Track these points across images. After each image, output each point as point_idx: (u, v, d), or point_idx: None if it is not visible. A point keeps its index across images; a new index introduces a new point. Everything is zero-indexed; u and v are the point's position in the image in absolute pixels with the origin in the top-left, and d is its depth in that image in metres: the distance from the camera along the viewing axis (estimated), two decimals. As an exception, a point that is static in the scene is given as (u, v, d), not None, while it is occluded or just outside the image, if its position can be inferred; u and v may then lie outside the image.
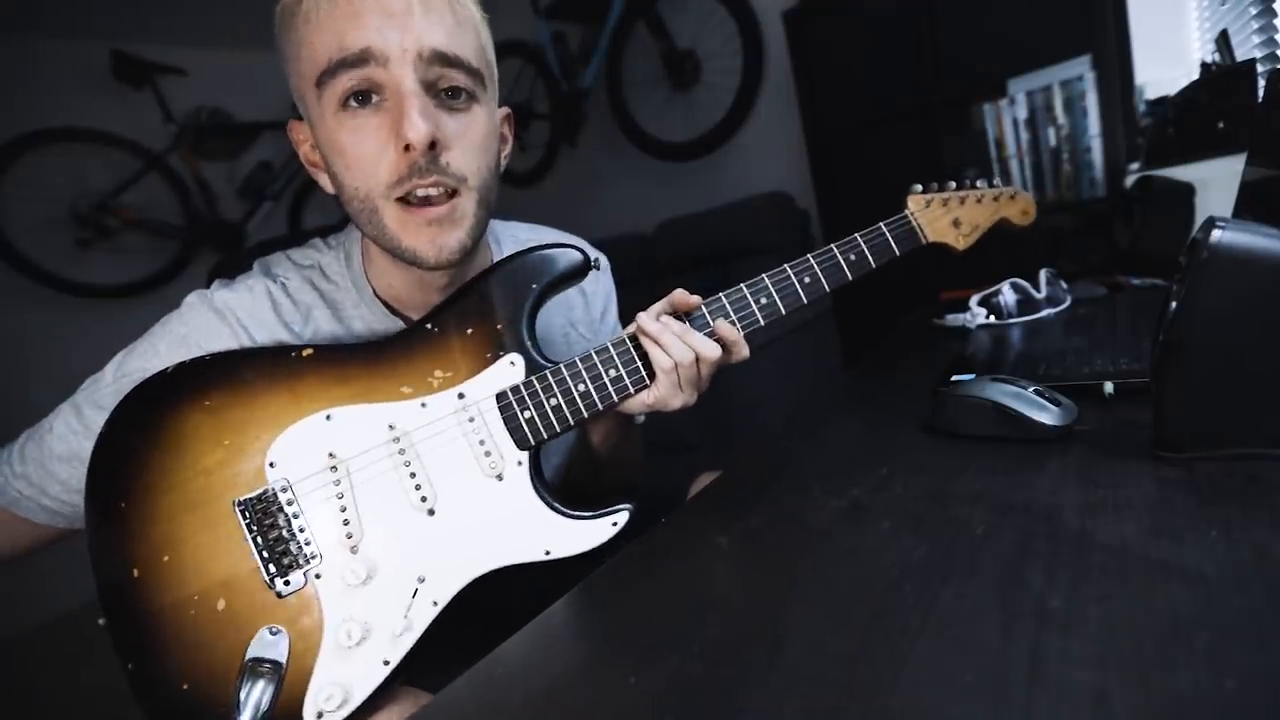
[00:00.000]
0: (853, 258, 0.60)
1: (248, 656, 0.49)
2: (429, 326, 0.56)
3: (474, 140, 0.54)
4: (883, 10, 1.77)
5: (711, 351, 0.55)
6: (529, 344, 0.56)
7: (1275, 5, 1.22)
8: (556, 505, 0.54)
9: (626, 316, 0.78)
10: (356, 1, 0.49)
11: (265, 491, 0.51)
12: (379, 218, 0.53)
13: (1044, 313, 0.94)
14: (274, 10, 0.53)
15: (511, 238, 0.74)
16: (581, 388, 0.55)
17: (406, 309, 0.62)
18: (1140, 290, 0.98)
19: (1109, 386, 0.56)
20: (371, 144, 0.51)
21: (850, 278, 0.60)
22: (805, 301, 0.59)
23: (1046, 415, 0.50)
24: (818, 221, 2.14)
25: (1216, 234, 0.39)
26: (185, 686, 0.48)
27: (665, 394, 0.56)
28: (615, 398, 0.56)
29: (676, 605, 0.41)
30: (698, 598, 0.41)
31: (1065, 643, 0.28)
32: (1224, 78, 1.16)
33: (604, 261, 0.80)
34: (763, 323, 0.58)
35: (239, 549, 0.50)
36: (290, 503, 0.51)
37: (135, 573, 0.50)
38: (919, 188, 0.67)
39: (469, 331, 0.56)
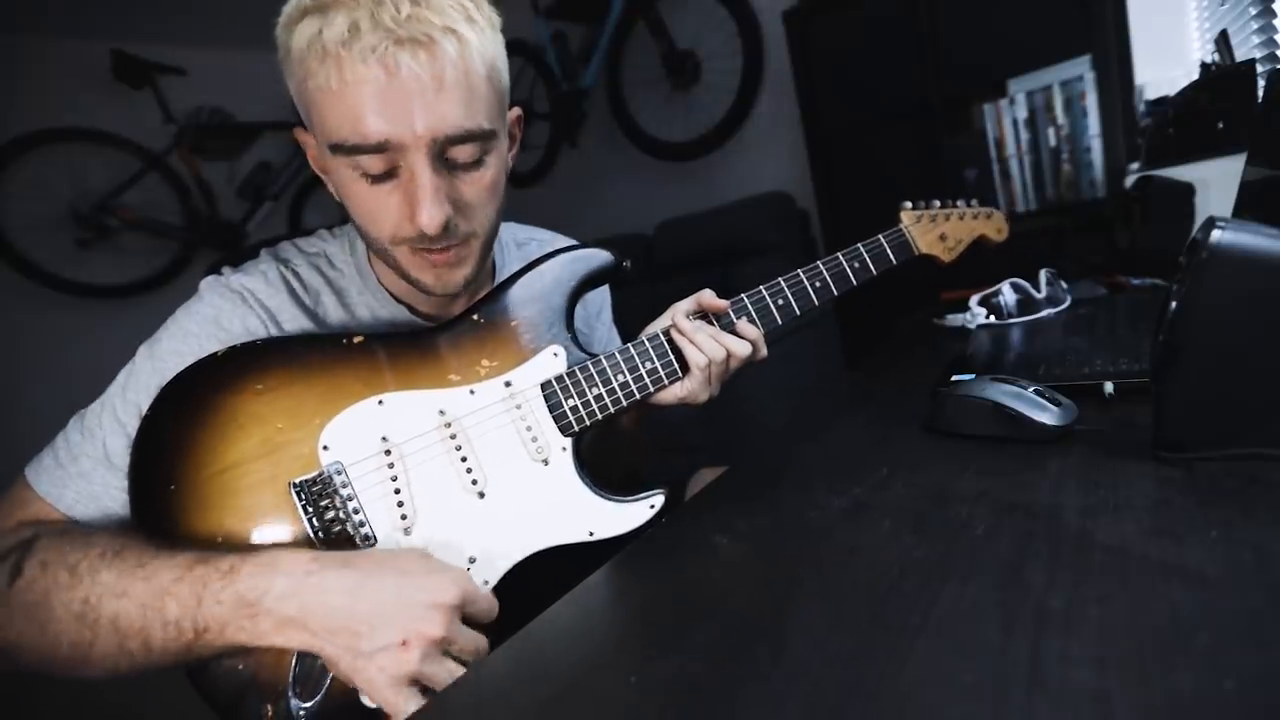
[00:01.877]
0: (857, 265, 0.66)
1: None
2: (475, 318, 0.59)
3: (484, 195, 0.55)
4: (883, 10, 1.77)
5: (742, 349, 0.59)
6: (570, 336, 0.59)
7: (1275, 5, 1.22)
8: (599, 489, 0.56)
9: (626, 316, 0.78)
10: (366, 90, 0.47)
11: (320, 474, 0.52)
12: (389, 254, 0.56)
13: (1044, 313, 0.94)
14: (274, 15, 0.52)
15: (511, 239, 0.75)
16: (621, 379, 0.58)
17: (409, 298, 0.63)
18: (1140, 290, 0.98)
19: (1109, 386, 0.56)
20: (385, 208, 0.52)
21: (855, 283, 0.66)
22: (816, 303, 0.64)
23: (1046, 415, 0.50)
24: (817, 221, 2.14)
25: (1216, 234, 0.39)
26: (240, 666, 0.49)
27: (696, 388, 0.59)
28: (651, 388, 0.59)
29: (676, 605, 0.41)
30: (698, 597, 0.41)
31: (1065, 643, 0.28)
32: (1224, 78, 1.16)
33: None
34: (780, 323, 0.63)
35: (294, 530, 0.51)
36: (345, 485, 0.52)
37: None
38: (909, 204, 0.73)
39: (514, 324, 0.59)
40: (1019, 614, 0.31)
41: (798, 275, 0.63)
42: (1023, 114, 1.57)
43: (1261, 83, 1.07)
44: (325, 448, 0.53)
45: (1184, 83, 1.24)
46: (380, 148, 0.49)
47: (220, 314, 0.57)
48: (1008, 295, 0.96)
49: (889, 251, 0.68)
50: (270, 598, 0.45)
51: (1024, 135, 1.58)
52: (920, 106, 1.75)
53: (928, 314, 1.12)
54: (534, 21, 2.61)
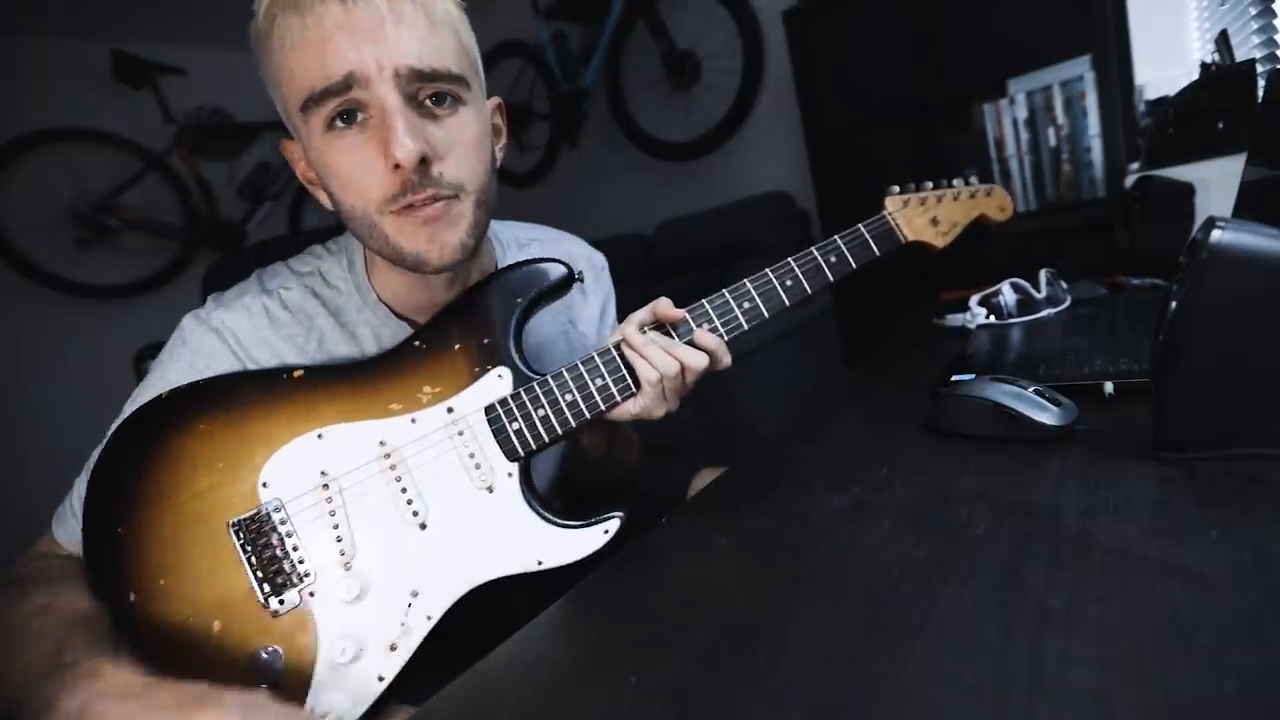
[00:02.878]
0: (833, 259, 0.61)
1: (245, 677, 0.49)
2: (417, 344, 0.57)
3: (465, 145, 0.53)
4: (883, 10, 1.77)
5: (698, 362, 0.55)
6: (516, 357, 0.57)
7: (1275, 6, 1.22)
8: (548, 515, 0.54)
9: (626, 315, 0.78)
10: (327, 23, 0.48)
11: (258, 512, 0.52)
12: (378, 231, 0.53)
13: (1044, 313, 0.94)
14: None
15: (513, 239, 0.73)
16: (569, 398, 0.56)
17: (411, 313, 0.62)
18: (1140, 290, 0.98)
19: (1109, 386, 0.56)
20: (362, 163, 0.51)
21: (831, 278, 0.61)
22: (787, 303, 0.59)
23: (1046, 415, 0.50)
24: (818, 221, 2.14)
25: (1216, 234, 0.39)
26: None
27: (650, 404, 0.56)
28: (602, 406, 0.56)
29: (676, 605, 0.41)
30: (698, 598, 0.41)
31: (1065, 643, 0.28)
32: (1224, 78, 1.16)
33: (602, 260, 0.80)
34: (746, 326, 0.58)
35: (234, 570, 0.51)
36: (283, 522, 0.52)
37: (132, 597, 0.50)
38: (896, 189, 0.68)
39: (456, 347, 0.57)
40: (1019, 614, 0.31)
41: (766, 275, 0.59)
42: (1023, 114, 1.57)
43: (1261, 83, 1.07)
44: (265, 485, 0.52)
45: (1184, 83, 1.24)
46: (346, 83, 0.48)
47: (197, 358, 0.58)
48: (1008, 295, 0.96)
49: (871, 242, 0.63)
50: None
51: (1024, 135, 1.58)
52: (920, 106, 1.75)
53: (927, 314, 1.12)
54: (534, 21, 2.61)
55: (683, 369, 0.55)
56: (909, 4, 1.71)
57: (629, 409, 0.57)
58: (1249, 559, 0.31)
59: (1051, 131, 1.53)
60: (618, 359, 0.56)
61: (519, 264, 0.59)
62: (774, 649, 0.33)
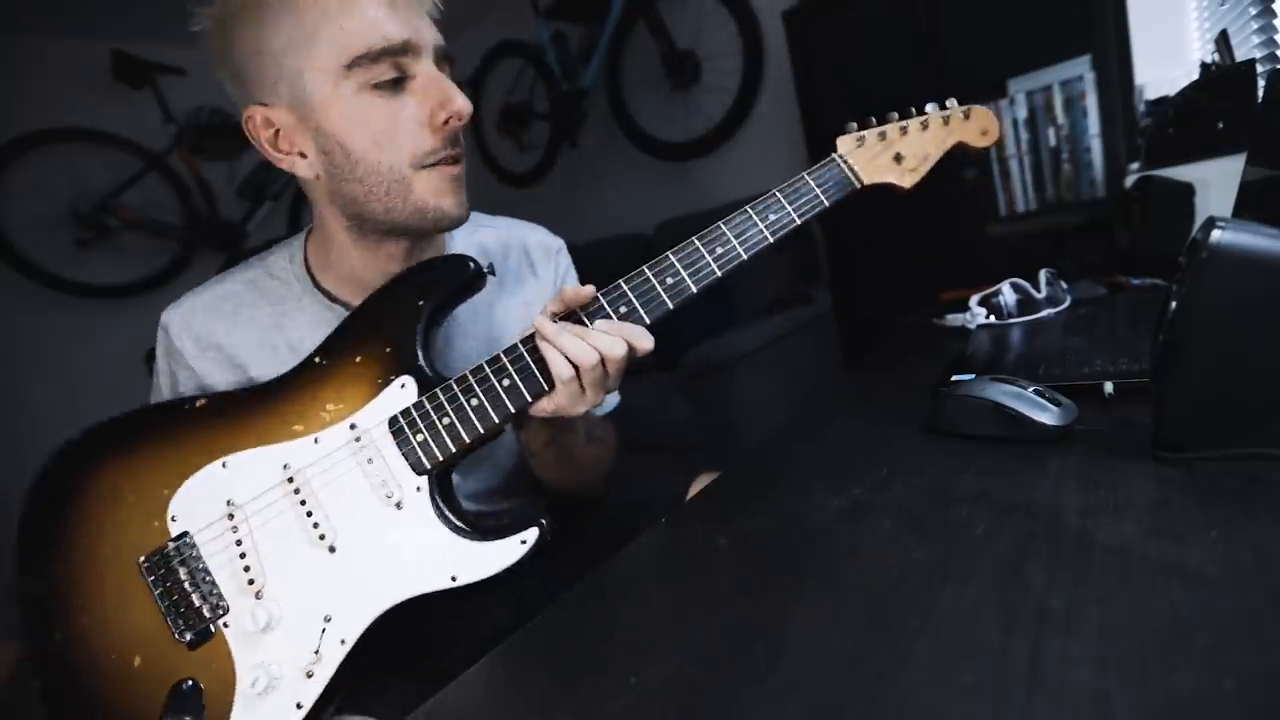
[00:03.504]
0: (771, 218, 0.55)
1: (166, 711, 0.49)
2: (317, 360, 0.56)
3: None
4: (883, 10, 1.77)
5: (616, 350, 0.51)
6: (421, 363, 0.54)
7: (1275, 6, 1.22)
8: (462, 528, 0.52)
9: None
10: None
11: (166, 546, 0.52)
12: (403, 186, 0.56)
13: (1044, 313, 0.94)
14: (193, 9, 0.55)
15: (475, 226, 0.72)
16: (474, 401, 0.53)
17: (353, 296, 0.63)
18: (1140, 290, 0.98)
19: (1109, 386, 0.56)
20: (403, 125, 0.54)
21: (771, 240, 0.55)
22: (719, 274, 0.54)
23: (1046, 415, 0.50)
24: (817, 221, 2.14)
25: (1216, 234, 0.39)
26: None
27: (565, 401, 0.53)
28: (511, 409, 0.53)
29: (677, 605, 0.41)
30: (698, 598, 0.41)
31: (1065, 643, 0.28)
32: (1224, 78, 1.16)
33: (558, 242, 0.78)
34: (671, 305, 0.53)
35: (148, 606, 0.51)
36: (192, 555, 0.52)
37: (58, 636, 0.51)
38: (853, 125, 0.60)
39: (357, 360, 0.55)
40: (1019, 614, 0.31)
41: (692, 244, 0.54)
42: (1023, 114, 1.57)
43: (1261, 83, 1.07)
44: (173, 519, 0.53)
45: (1184, 83, 1.24)
46: (404, 48, 0.53)
47: (159, 350, 0.64)
48: (1007, 295, 0.96)
49: (818, 192, 0.56)
50: None
51: (1024, 135, 1.58)
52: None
53: (927, 314, 1.12)
54: (534, 21, 2.61)
55: (602, 358, 0.51)
56: (909, 4, 1.71)
57: (544, 406, 0.54)
58: (1249, 559, 0.31)
59: (1051, 131, 1.53)
60: (525, 355, 0.53)
61: (422, 265, 0.58)
62: (774, 649, 0.33)
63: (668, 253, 0.54)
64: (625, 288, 0.54)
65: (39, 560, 0.53)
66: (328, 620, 0.51)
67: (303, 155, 0.57)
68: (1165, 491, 0.39)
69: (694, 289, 0.54)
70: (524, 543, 0.51)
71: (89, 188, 2.44)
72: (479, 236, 0.72)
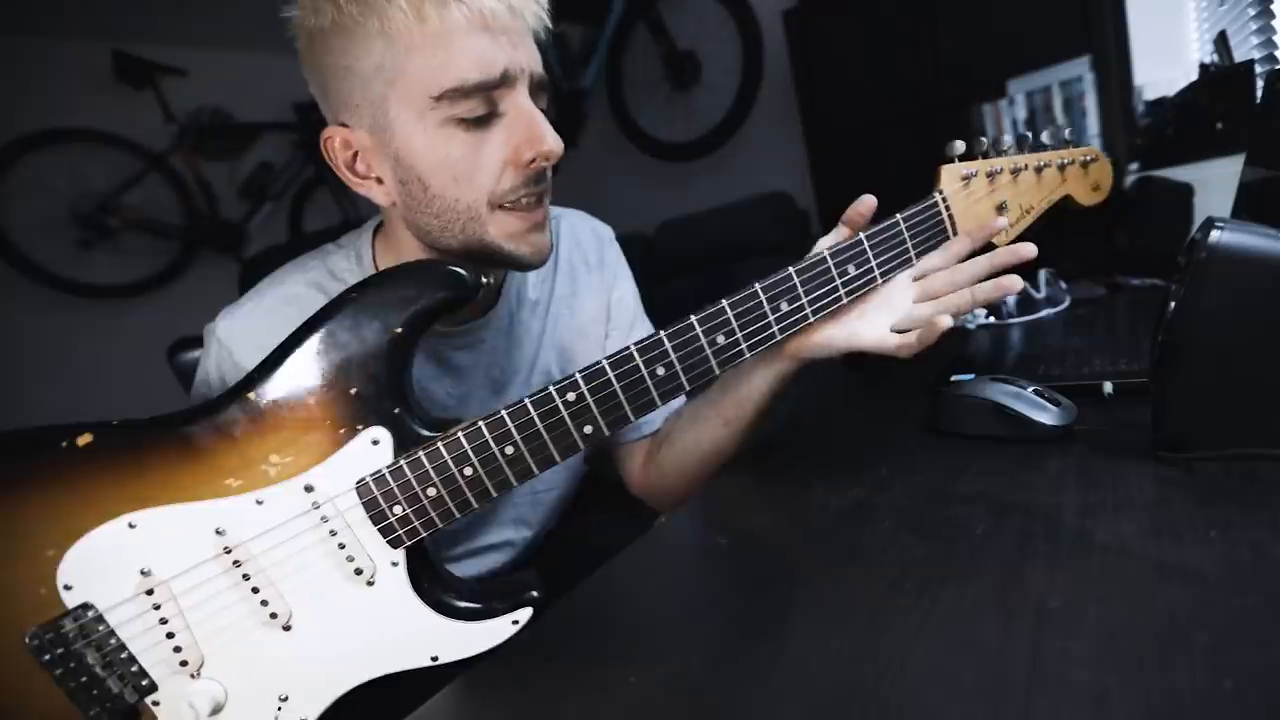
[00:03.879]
0: (852, 270, 0.49)
1: None
2: (252, 396, 0.43)
3: None
4: (883, 10, 1.77)
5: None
6: (397, 411, 0.44)
7: (1273, 7, 1.22)
8: (446, 604, 0.45)
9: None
10: (476, 9, 0.47)
11: (62, 622, 0.42)
12: (478, 225, 0.53)
13: (1043, 313, 0.94)
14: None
15: None
16: (469, 472, 0.43)
17: None
18: (1139, 290, 0.98)
19: (1108, 386, 0.56)
20: (485, 162, 0.51)
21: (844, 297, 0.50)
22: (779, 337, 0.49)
23: (1046, 415, 0.50)
24: (818, 222, 2.14)
25: (1215, 234, 0.39)
26: None
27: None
28: (514, 483, 0.45)
29: (676, 605, 0.41)
30: (698, 598, 0.41)
31: (1065, 643, 0.28)
32: (1222, 78, 1.17)
33: (608, 231, 0.77)
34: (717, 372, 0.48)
35: (45, 684, 0.42)
36: (102, 632, 0.43)
37: None
38: (960, 147, 0.50)
39: (311, 400, 0.43)
40: (1019, 614, 0.31)
41: (790, 279, 0.47)
42: (1022, 114, 1.57)
43: (1260, 83, 1.07)
44: (68, 587, 0.42)
45: (1183, 83, 1.24)
46: (500, 81, 0.49)
47: (210, 367, 0.58)
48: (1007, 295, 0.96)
49: (909, 244, 0.49)
50: None
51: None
52: (920, 107, 1.76)
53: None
54: (534, 22, 2.61)
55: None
56: (909, 4, 1.71)
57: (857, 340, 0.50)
58: (1248, 559, 0.31)
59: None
60: (535, 418, 0.44)
61: (389, 272, 0.46)
62: (774, 648, 0.33)
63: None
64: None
65: None
66: (284, 700, 0.44)
67: (379, 181, 0.55)
68: (1165, 491, 0.39)
69: (718, 371, 0.48)
70: (516, 623, 0.45)
71: (90, 188, 2.44)
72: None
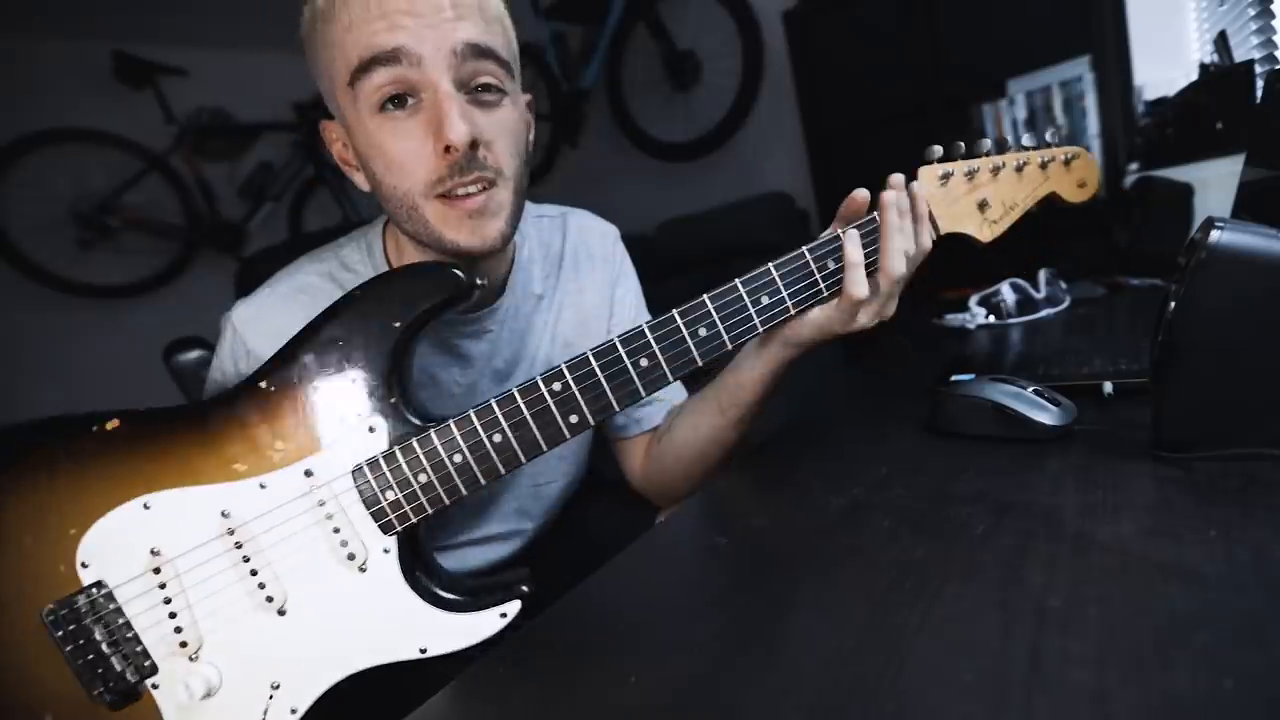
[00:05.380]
0: (830, 265, 0.51)
1: None
2: (264, 385, 0.47)
3: (509, 134, 0.55)
4: (883, 10, 1.77)
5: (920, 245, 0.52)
6: (394, 401, 0.47)
7: (1273, 7, 1.22)
8: (435, 595, 0.47)
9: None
10: (386, 2, 0.49)
11: (76, 598, 0.45)
12: (419, 214, 0.53)
13: (1043, 313, 0.94)
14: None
15: (537, 218, 0.72)
16: (458, 459, 0.46)
17: None
18: (1139, 290, 0.98)
19: (1108, 386, 0.56)
20: (411, 146, 0.51)
21: (826, 293, 0.53)
22: (759, 330, 0.51)
23: (1046, 415, 0.50)
24: (817, 222, 2.14)
25: (1215, 234, 0.39)
26: None
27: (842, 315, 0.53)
28: (502, 470, 0.47)
29: (677, 605, 0.41)
30: (698, 597, 0.41)
31: (1065, 643, 0.28)
32: (1222, 79, 1.16)
33: (614, 230, 0.78)
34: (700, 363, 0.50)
35: (57, 661, 0.44)
36: (111, 610, 0.45)
37: None
38: (937, 150, 0.52)
39: (315, 390, 0.46)
40: (1019, 614, 0.31)
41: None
42: (1022, 114, 1.57)
43: (1260, 83, 1.07)
44: (84, 565, 0.45)
45: (1183, 83, 1.24)
46: (395, 55, 0.49)
47: (224, 354, 0.60)
48: (1007, 295, 0.96)
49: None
50: None
51: (1023, 136, 1.58)
52: (920, 107, 1.76)
53: (927, 313, 1.12)
54: (534, 21, 2.61)
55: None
56: (909, 4, 1.71)
57: (820, 318, 0.53)
58: (1248, 559, 0.31)
59: (1051, 132, 1.53)
60: (521, 407, 0.46)
61: (394, 272, 0.50)
62: (774, 648, 0.33)
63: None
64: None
65: None
66: (275, 688, 0.45)
67: (359, 169, 0.57)
68: (1164, 491, 0.39)
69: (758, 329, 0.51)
70: (504, 615, 0.46)
71: (90, 188, 2.44)
72: (541, 226, 0.71)
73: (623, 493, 0.77)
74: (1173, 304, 0.41)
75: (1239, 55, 1.25)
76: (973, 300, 0.99)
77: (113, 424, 0.46)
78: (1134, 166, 1.38)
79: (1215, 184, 1.07)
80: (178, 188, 2.63)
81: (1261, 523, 0.34)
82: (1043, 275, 0.97)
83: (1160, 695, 0.24)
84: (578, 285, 0.72)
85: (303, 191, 2.89)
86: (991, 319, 0.96)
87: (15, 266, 2.31)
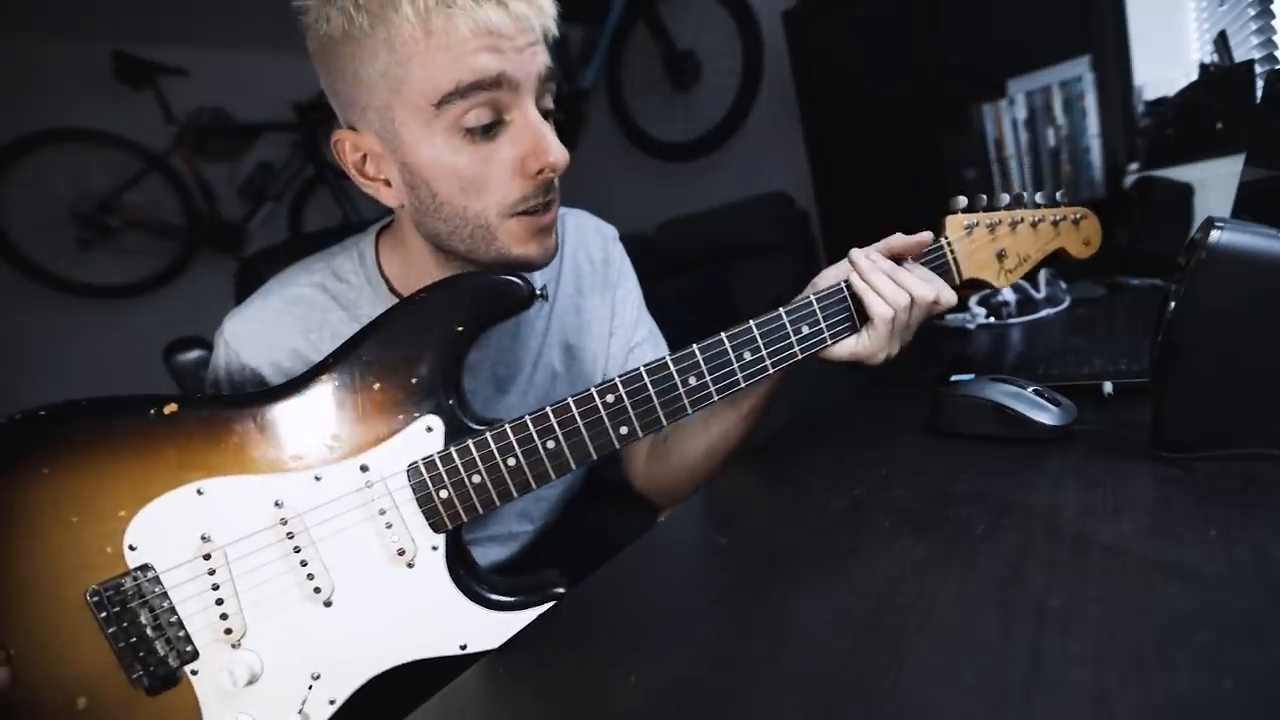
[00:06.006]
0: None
1: None
2: (326, 378, 0.48)
3: None
4: (883, 10, 1.77)
5: (926, 293, 0.54)
6: (451, 402, 0.48)
7: (1273, 7, 1.22)
8: (479, 594, 0.48)
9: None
10: (481, 21, 0.47)
11: (122, 580, 0.44)
12: (489, 232, 0.54)
13: (1043, 313, 0.94)
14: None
15: None
16: (511, 462, 0.47)
17: None
18: (1139, 290, 0.98)
19: (1108, 386, 0.56)
20: (496, 169, 0.52)
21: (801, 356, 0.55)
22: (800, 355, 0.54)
23: (1046, 415, 0.50)
24: (817, 222, 2.14)
25: (1215, 234, 0.39)
26: None
27: (874, 345, 0.55)
28: (553, 476, 0.48)
29: (677, 604, 0.41)
30: (698, 596, 0.41)
31: (1065, 643, 0.28)
32: (1222, 79, 1.16)
33: (612, 231, 0.77)
34: (743, 383, 0.52)
35: (96, 643, 0.44)
36: (156, 593, 0.45)
37: None
38: (962, 201, 0.56)
39: (375, 386, 0.47)
40: (1019, 614, 0.31)
41: (779, 317, 0.52)
42: (1022, 114, 1.57)
43: (1260, 83, 1.07)
44: (132, 547, 0.45)
45: (1183, 83, 1.24)
46: (498, 82, 0.49)
47: (219, 368, 0.60)
48: (1007, 295, 0.96)
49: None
50: None
51: (1023, 136, 1.57)
52: (920, 107, 1.76)
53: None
54: (534, 22, 2.61)
55: (912, 300, 0.53)
56: (909, 4, 1.71)
57: (845, 350, 0.55)
58: (1248, 559, 0.31)
59: (1051, 132, 1.53)
60: (575, 415, 0.48)
61: (460, 278, 0.50)
62: (774, 648, 0.33)
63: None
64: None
65: None
66: (316, 678, 0.46)
67: (388, 184, 0.55)
68: (1164, 491, 0.39)
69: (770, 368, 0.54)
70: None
71: (90, 188, 2.44)
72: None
73: (623, 494, 0.77)
74: (1173, 304, 0.41)
75: (1239, 55, 1.25)
76: (973, 300, 0.99)
77: (170, 408, 0.46)
78: (1134, 166, 1.38)
79: (1215, 184, 1.07)
80: (178, 188, 2.63)
81: (1261, 523, 0.34)
82: (1043, 275, 0.97)
83: (1160, 695, 0.24)
84: (578, 288, 0.72)
85: (303, 192, 2.89)
86: (991, 319, 0.96)
87: (15, 266, 2.31)
